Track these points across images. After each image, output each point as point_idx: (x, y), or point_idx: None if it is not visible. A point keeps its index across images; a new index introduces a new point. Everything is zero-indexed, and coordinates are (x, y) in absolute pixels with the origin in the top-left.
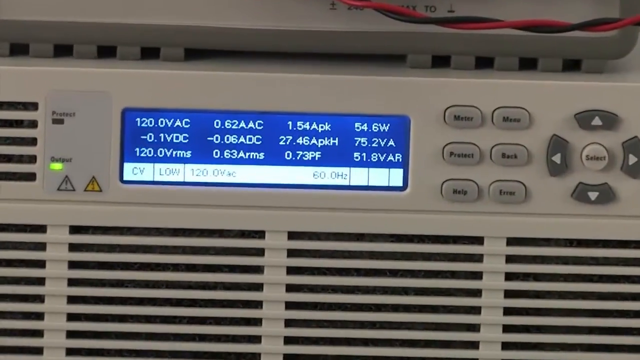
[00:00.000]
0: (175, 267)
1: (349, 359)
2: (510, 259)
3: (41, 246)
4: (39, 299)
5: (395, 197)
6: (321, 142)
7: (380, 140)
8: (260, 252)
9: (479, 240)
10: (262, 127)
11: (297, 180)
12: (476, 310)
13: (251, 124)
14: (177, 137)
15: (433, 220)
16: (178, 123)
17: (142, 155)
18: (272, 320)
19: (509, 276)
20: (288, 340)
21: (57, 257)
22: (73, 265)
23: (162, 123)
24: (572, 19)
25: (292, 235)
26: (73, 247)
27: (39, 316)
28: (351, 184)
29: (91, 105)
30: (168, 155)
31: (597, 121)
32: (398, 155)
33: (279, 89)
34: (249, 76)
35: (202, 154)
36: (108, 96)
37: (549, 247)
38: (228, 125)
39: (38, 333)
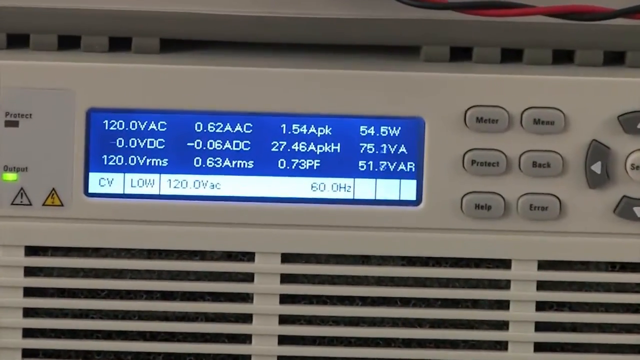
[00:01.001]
0: (150, 295)
1: None
2: (542, 285)
3: None
4: None
5: (407, 213)
6: (320, 148)
7: (390, 147)
8: (249, 277)
9: (505, 264)
10: (251, 130)
11: (292, 193)
12: (502, 345)
13: (238, 127)
14: (151, 143)
15: (451, 240)
16: (153, 126)
17: (111, 163)
18: (262, 358)
19: (541, 306)
20: None
21: (11, 283)
22: (29, 292)
23: (134, 126)
24: (615, 4)
25: (286, 258)
26: (29, 272)
27: None
28: (356, 197)
29: (51, 105)
30: (141, 164)
31: None
32: (410, 164)
33: (271, 86)
34: (236, 71)
35: (181, 162)
36: (71, 94)
37: (587, 272)
38: (211, 129)
39: None
